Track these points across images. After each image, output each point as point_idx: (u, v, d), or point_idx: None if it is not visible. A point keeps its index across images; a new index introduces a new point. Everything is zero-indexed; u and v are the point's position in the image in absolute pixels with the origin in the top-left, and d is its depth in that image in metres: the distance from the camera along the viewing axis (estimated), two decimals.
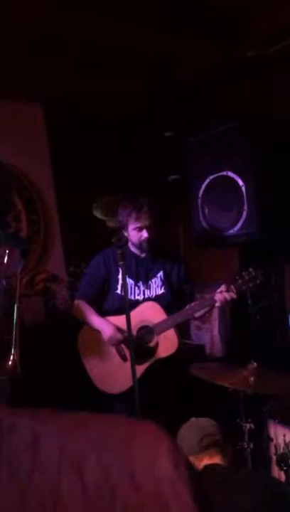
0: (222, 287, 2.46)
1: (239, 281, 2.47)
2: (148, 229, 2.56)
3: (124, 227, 2.61)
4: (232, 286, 2.45)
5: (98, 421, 0.55)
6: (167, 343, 2.54)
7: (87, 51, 2.87)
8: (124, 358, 2.57)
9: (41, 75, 3.08)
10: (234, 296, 2.45)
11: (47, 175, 3.50)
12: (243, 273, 2.48)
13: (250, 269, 2.47)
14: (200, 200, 3.23)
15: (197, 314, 2.62)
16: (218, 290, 2.47)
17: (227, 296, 2.44)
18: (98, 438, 0.52)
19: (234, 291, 2.45)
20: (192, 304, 2.56)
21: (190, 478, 0.50)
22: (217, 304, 2.51)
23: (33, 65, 2.97)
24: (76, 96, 3.40)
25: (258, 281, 2.46)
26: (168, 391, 2.65)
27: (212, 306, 2.55)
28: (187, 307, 2.55)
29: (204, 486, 0.52)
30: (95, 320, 2.65)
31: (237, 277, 2.49)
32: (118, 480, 0.49)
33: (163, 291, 2.64)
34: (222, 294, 2.45)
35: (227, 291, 2.44)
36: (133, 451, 0.51)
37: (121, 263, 2.24)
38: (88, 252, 3.60)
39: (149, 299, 2.62)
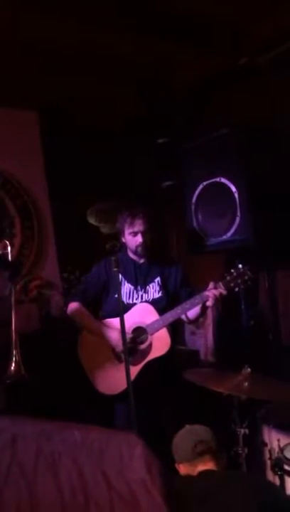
0: (211, 285, 2.52)
1: (228, 277, 2.53)
2: (143, 234, 2.64)
3: (122, 232, 2.71)
4: (220, 283, 2.51)
5: (75, 427, 0.58)
6: (160, 343, 2.60)
7: (83, 59, 2.89)
8: (120, 360, 2.60)
9: (36, 82, 3.09)
10: (224, 291, 2.50)
11: (42, 181, 3.52)
12: (231, 270, 2.55)
13: (239, 266, 2.53)
14: (193, 206, 3.25)
15: (190, 314, 2.67)
16: (208, 288, 2.53)
17: (216, 292, 2.49)
18: (74, 442, 0.54)
19: (223, 287, 2.50)
20: (183, 304, 2.60)
21: (162, 481, 0.52)
22: (209, 303, 2.55)
23: (28, 73, 2.99)
24: (71, 103, 3.42)
25: (246, 277, 2.51)
26: (168, 391, 2.68)
27: (204, 305, 2.59)
28: (178, 306, 2.60)
29: (177, 489, 0.55)
30: (95, 325, 2.72)
31: (225, 274, 2.55)
32: (92, 481, 0.51)
33: (160, 295, 2.70)
34: (211, 291, 2.50)
35: (215, 288, 2.50)
36: (107, 455, 0.53)
37: (115, 270, 2.27)
38: (82, 259, 3.61)
39: (146, 302, 2.69)
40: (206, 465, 1.69)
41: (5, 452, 0.53)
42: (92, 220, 3.76)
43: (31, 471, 0.51)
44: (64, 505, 0.50)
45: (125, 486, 0.50)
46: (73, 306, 2.77)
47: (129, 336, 2.55)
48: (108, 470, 0.51)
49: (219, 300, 2.57)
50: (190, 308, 2.59)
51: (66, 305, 2.87)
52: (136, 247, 2.68)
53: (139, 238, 2.65)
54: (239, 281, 2.51)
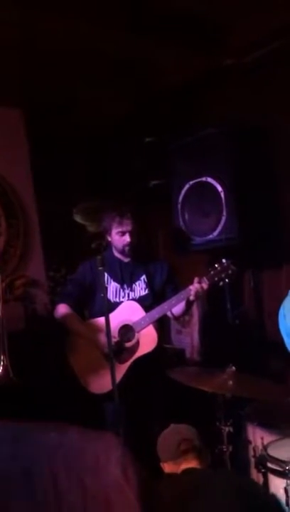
0: (195, 279, 2.57)
1: (212, 272, 2.58)
2: (131, 234, 2.67)
3: (108, 231, 2.73)
4: (204, 278, 2.56)
5: (52, 429, 0.58)
6: (147, 340, 2.63)
7: (69, 58, 2.87)
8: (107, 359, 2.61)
9: (22, 80, 3.07)
10: (206, 286, 2.55)
11: (28, 179, 3.49)
12: (215, 265, 2.60)
13: (223, 260, 2.59)
14: (179, 206, 3.26)
15: (175, 310, 2.69)
16: (193, 283, 2.57)
17: (198, 286, 2.54)
18: (50, 444, 0.55)
19: (207, 281, 2.55)
20: (169, 300, 2.63)
21: (137, 483, 0.53)
22: (191, 297, 2.59)
23: (14, 71, 2.97)
24: (57, 101, 3.40)
25: (230, 271, 2.58)
26: (156, 389, 2.71)
27: (189, 300, 2.63)
28: (164, 303, 2.64)
29: (154, 491, 0.56)
30: (82, 327, 2.73)
31: (209, 269, 2.60)
32: (66, 483, 0.52)
33: (146, 292, 2.74)
34: (194, 286, 2.55)
35: (200, 282, 2.55)
36: (83, 458, 0.54)
37: (100, 268, 2.28)
38: (68, 257, 3.60)
39: (133, 300, 2.71)
40: (190, 463, 1.70)
41: None
42: (78, 219, 3.74)
43: (6, 472, 0.51)
44: (37, 508, 0.50)
45: (100, 488, 0.51)
46: (60, 308, 2.77)
47: (115, 339, 2.56)
48: (83, 472, 0.52)
49: (203, 294, 2.61)
50: (176, 304, 2.63)
51: (52, 305, 2.87)
52: (124, 246, 2.70)
53: (127, 238, 2.67)
54: (223, 275, 2.57)
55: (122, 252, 2.74)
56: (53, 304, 3.17)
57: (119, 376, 2.53)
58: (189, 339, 3.84)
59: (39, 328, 3.23)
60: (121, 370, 2.60)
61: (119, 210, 2.68)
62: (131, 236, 2.67)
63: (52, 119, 3.58)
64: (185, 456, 1.73)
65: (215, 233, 3.05)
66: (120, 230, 2.67)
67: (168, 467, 1.79)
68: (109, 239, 2.74)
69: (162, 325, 2.88)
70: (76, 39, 2.69)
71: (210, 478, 1.61)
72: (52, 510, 0.50)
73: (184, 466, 1.69)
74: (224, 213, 3.00)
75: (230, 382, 2.22)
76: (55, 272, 3.55)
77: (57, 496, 0.50)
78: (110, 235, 2.72)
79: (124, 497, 0.51)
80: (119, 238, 2.69)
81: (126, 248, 2.71)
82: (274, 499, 1.85)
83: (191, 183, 3.19)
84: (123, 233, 2.67)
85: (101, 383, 2.55)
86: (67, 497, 0.50)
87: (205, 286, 2.55)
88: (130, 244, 2.69)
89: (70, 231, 3.62)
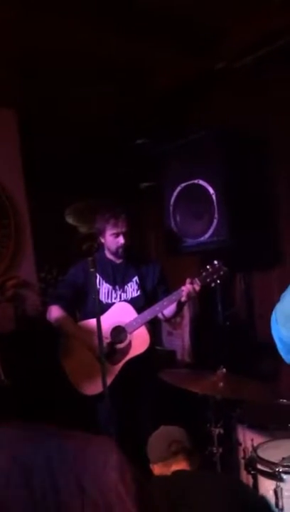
0: (187, 281, 2.59)
1: (204, 273, 2.60)
2: (125, 235, 2.68)
3: (101, 233, 2.73)
4: (196, 279, 2.58)
5: (51, 434, 0.58)
6: (139, 341, 2.64)
7: (60, 58, 2.87)
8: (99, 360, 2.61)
9: (15, 80, 3.07)
10: (198, 287, 2.56)
11: (19, 180, 3.48)
12: (207, 266, 2.62)
13: (214, 262, 2.61)
14: (171, 208, 3.27)
15: (167, 312, 2.70)
16: (185, 284, 2.59)
17: (190, 287, 2.55)
18: (50, 449, 0.55)
19: (198, 283, 2.57)
20: (161, 301, 2.64)
21: (135, 489, 0.54)
22: (183, 298, 2.60)
23: (7, 71, 2.96)
24: (50, 102, 3.39)
25: (221, 273, 2.60)
26: (147, 390, 2.71)
27: (180, 302, 2.64)
28: (156, 304, 2.65)
29: (150, 496, 0.56)
30: (75, 329, 2.72)
31: (201, 270, 2.62)
32: (64, 487, 0.52)
33: (138, 293, 2.75)
34: (186, 287, 2.56)
35: (192, 283, 2.56)
36: (82, 463, 0.54)
37: (92, 270, 2.28)
38: (60, 258, 3.59)
39: (125, 301, 2.72)
40: (180, 465, 1.70)
41: None
42: (70, 220, 3.73)
43: (5, 480, 0.51)
44: (36, 509, 0.50)
45: (98, 493, 0.52)
46: (53, 310, 2.76)
47: (107, 341, 2.56)
48: (82, 477, 0.52)
49: (194, 296, 2.61)
50: (167, 305, 2.63)
51: (43, 306, 2.86)
52: (118, 248, 2.71)
53: (121, 239, 2.68)
54: (214, 276, 2.59)
55: (115, 253, 2.74)
56: (44, 305, 3.16)
57: (111, 377, 2.54)
58: (180, 341, 3.84)
59: (29, 329, 3.22)
60: (114, 371, 2.60)
61: (114, 212, 2.69)
62: (125, 238, 2.68)
63: (45, 120, 3.58)
64: (175, 458, 1.73)
65: (207, 235, 3.06)
66: (114, 231, 2.68)
67: (157, 468, 1.79)
68: (102, 240, 2.74)
69: (153, 326, 2.89)
70: (69, 40, 2.69)
71: (200, 479, 1.61)
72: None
73: (174, 467, 1.69)
74: (216, 216, 3.02)
75: (221, 384, 2.23)
76: (46, 273, 3.54)
77: (56, 499, 0.51)
78: (104, 236, 2.72)
79: (122, 502, 0.52)
80: (113, 240, 2.70)
81: (120, 250, 2.72)
82: (263, 501, 1.86)
83: (183, 185, 3.20)
84: (117, 235, 2.68)
85: (94, 385, 2.54)
86: (66, 501, 0.51)
87: (197, 287, 2.56)
88: (124, 245, 2.70)
89: (62, 232, 3.61)
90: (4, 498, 0.51)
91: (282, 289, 3.38)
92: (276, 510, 1.84)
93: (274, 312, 1.09)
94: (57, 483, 0.52)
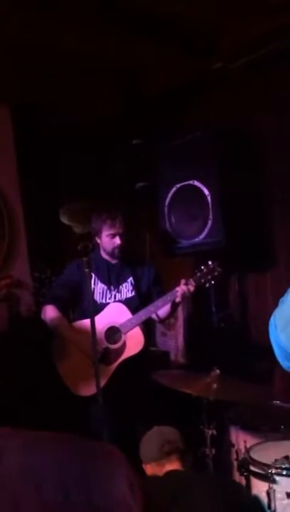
0: (182, 281, 2.59)
1: (198, 274, 2.60)
2: (121, 236, 2.68)
3: (97, 233, 2.73)
4: (191, 279, 2.58)
5: (61, 441, 0.58)
6: (133, 341, 2.64)
7: (57, 57, 2.87)
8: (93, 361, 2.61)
9: (11, 78, 3.06)
10: (193, 288, 2.56)
11: (14, 179, 3.47)
12: (202, 267, 2.62)
13: (209, 262, 2.62)
14: (166, 208, 3.26)
15: (161, 313, 2.70)
16: (179, 285, 2.59)
17: (185, 288, 2.55)
18: (59, 458, 0.55)
19: (193, 283, 2.57)
20: (155, 302, 2.64)
21: (143, 498, 0.54)
22: (178, 298, 2.60)
23: (2, 68, 2.95)
24: (46, 101, 3.39)
25: (216, 273, 2.60)
26: (141, 391, 2.71)
27: (174, 302, 2.64)
28: (150, 305, 2.65)
29: (153, 502, 0.56)
30: (69, 329, 2.71)
31: (195, 271, 2.62)
32: (76, 500, 0.52)
33: (132, 294, 2.75)
34: (181, 287, 2.56)
35: (186, 284, 2.56)
36: (91, 473, 0.54)
37: (86, 270, 2.27)
38: (54, 258, 3.58)
39: (119, 301, 2.72)
40: (173, 465, 1.70)
41: None
42: (64, 220, 3.72)
43: (15, 486, 0.51)
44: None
45: (108, 504, 0.51)
46: (48, 309, 2.75)
47: (101, 341, 2.56)
48: (92, 489, 0.52)
49: (189, 296, 2.61)
50: (162, 306, 2.63)
51: (37, 306, 2.85)
52: (114, 248, 2.72)
53: (117, 240, 2.69)
54: (209, 277, 2.59)
55: (111, 254, 2.75)
56: (38, 305, 3.15)
57: (105, 378, 2.53)
58: (174, 342, 3.84)
59: (23, 329, 3.21)
60: (108, 372, 2.59)
61: (110, 213, 2.69)
62: (121, 238, 2.69)
63: (40, 119, 3.57)
64: (168, 458, 1.73)
65: (201, 236, 3.06)
66: (111, 232, 2.68)
67: (150, 469, 1.79)
68: (98, 241, 2.75)
69: (147, 327, 2.89)
70: (66, 40, 2.68)
71: (193, 480, 1.61)
72: None
73: (167, 467, 1.69)
74: (211, 217, 3.02)
75: (214, 386, 2.23)
76: (40, 273, 3.53)
77: (67, 508, 0.50)
78: (100, 237, 2.73)
79: (131, 510, 0.51)
80: (110, 240, 2.70)
81: (116, 250, 2.72)
82: (256, 500, 1.86)
83: (178, 186, 3.20)
84: (113, 235, 2.69)
85: (87, 385, 2.54)
86: (76, 509, 0.50)
87: (191, 288, 2.57)
88: (120, 246, 2.70)
89: (56, 232, 3.60)
90: (16, 504, 0.50)
91: (276, 291, 3.39)
92: (268, 511, 1.84)
93: (272, 317, 1.07)
94: (68, 495, 0.52)
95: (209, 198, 3.03)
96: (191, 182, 3.12)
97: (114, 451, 0.59)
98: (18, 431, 0.58)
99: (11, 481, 0.52)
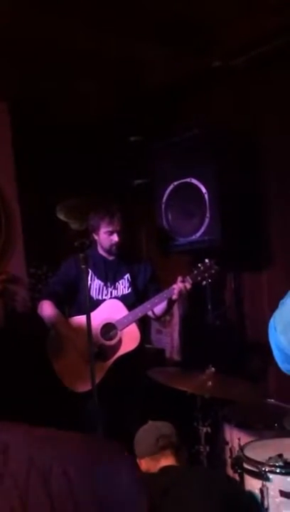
0: (179, 279, 2.59)
1: (195, 271, 2.61)
2: (119, 233, 2.68)
3: (95, 230, 2.74)
4: (188, 277, 2.59)
5: (66, 437, 0.59)
6: (129, 338, 2.64)
7: (54, 52, 2.85)
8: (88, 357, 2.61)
9: (8, 74, 3.04)
10: (189, 285, 2.57)
11: (10, 174, 3.45)
12: (199, 264, 2.62)
13: (206, 260, 2.62)
14: (163, 206, 3.26)
15: (157, 310, 2.71)
16: (176, 282, 2.59)
17: (182, 286, 2.56)
18: (65, 453, 0.55)
19: (190, 281, 2.58)
20: (152, 299, 2.65)
21: (145, 492, 0.55)
22: (174, 296, 2.60)
23: (0, 63, 2.93)
24: (43, 97, 3.37)
25: (213, 271, 2.61)
26: (137, 388, 2.72)
27: (171, 300, 2.65)
28: (147, 302, 2.66)
29: (157, 500, 0.58)
30: (65, 325, 2.70)
31: (193, 268, 2.63)
32: (81, 492, 0.53)
33: (129, 291, 2.75)
34: (177, 285, 2.56)
35: (183, 281, 2.57)
36: (96, 468, 0.55)
37: (83, 266, 2.27)
38: (50, 254, 3.58)
39: (115, 298, 2.72)
40: (167, 459, 1.71)
41: None
42: (61, 216, 3.71)
43: (24, 480, 0.51)
44: (53, 508, 0.50)
45: (112, 496, 0.52)
46: (44, 305, 2.75)
47: (97, 338, 2.56)
48: (97, 481, 0.53)
49: (185, 294, 2.62)
50: (158, 303, 2.64)
51: (32, 302, 2.85)
52: (111, 245, 2.72)
53: (115, 237, 2.69)
54: (206, 274, 2.60)
55: (109, 250, 2.75)
56: (33, 301, 3.14)
57: (100, 374, 2.53)
58: (169, 339, 3.85)
59: (18, 325, 3.20)
60: (103, 368, 2.60)
61: (109, 210, 2.69)
62: (119, 236, 2.69)
63: (37, 115, 3.56)
64: (162, 453, 1.73)
65: (198, 234, 3.06)
66: (109, 229, 2.68)
67: (144, 463, 1.79)
68: (96, 237, 2.75)
69: (142, 324, 2.89)
70: (65, 36, 2.67)
71: (184, 473, 1.62)
72: None
73: (162, 462, 1.69)
74: (208, 215, 3.02)
75: (209, 383, 2.24)
76: (36, 269, 3.52)
77: (73, 502, 0.51)
78: (97, 233, 2.73)
79: (134, 505, 0.52)
80: (107, 237, 2.70)
81: (114, 247, 2.73)
82: (250, 495, 1.87)
83: (176, 183, 3.19)
84: (111, 233, 2.69)
85: (83, 381, 2.54)
86: (82, 504, 0.51)
87: (188, 285, 2.57)
88: (118, 243, 2.71)
89: (52, 228, 3.59)
90: (25, 498, 0.51)
91: (272, 290, 3.39)
92: (261, 509, 1.85)
93: (272, 318, 1.07)
94: (73, 488, 0.53)
95: (206, 196, 3.03)
96: (189, 180, 3.12)
97: (120, 449, 0.60)
98: (20, 426, 0.59)
99: (19, 474, 0.52)
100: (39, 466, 0.53)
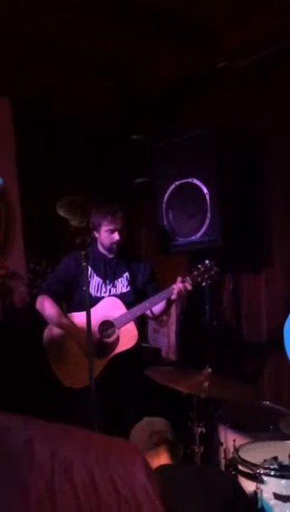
0: (179, 279, 2.57)
1: (195, 272, 2.59)
2: (120, 232, 2.68)
3: (96, 228, 2.73)
4: (188, 278, 2.57)
5: (80, 433, 0.60)
6: (127, 336, 2.63)
7: (57, 50, 2.85)
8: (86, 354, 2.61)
9: (11, 70, 3.04)
10: (189, 286, 2.55)
11: (12, 170, 3.45)
12: (199, 265, 2.61)
13: (206, 261, 2.61)
14: (164, 205, 3.26)
15: (155, 309, 2.70)
16: (176, 282, 2.58)
17: (182, 286, 2.54)
18: (82, 447, 0.56)
19: (190, 282, 2.56)
20: (151, 298, 2.64)
21: (159, 487, 0.57)
22: (173, 296, 2.59)
23: (2, 60, 2.92)
24: (45, 94, 3.37)
25: (213, 272, 2.59)
26: (133, 386, 2.72)
27: (169, 300, 2.64)
28: (146, 300, 2.65)
29: (167, 494, 0.59)
30: (63, 321, 2.69)
31: (193, 269, 2.61)
32: (102, 485, 0.55)
33: (127, 289, 2.74)
34: (177, 285, 2.55)
35: (183, 282, 2.56)
36: (112, 462, 0.57)
37: (84, 264, 2.26)
38: (49, 250, 3.57)
39: (114, 296, 2.71)
40: (161, 457, 1.69)
41: (22, 452, 0.55)
42: (61, 212, 3.70)
43: (49, 472, 0.53)
44: (80, 507, 0.52)
45: (130, 491, 0.55)
46: (43, 300, 2.75)
47: (95, 335, 2.56)
48: (114, 475, 0.56)
49: (184, 294, 2.61)
50: (157, 302, 2.64)
51: (31, 297, 2.84)
52: (112, 244, 2.72)
53: (116, 236, 2.69)
54: (206, 276, 2.58)
55: (109, 249, 2.75)
56: (32, 297, 3.13)
57: (97, 371, 2.53)
58: (166, 339, 3.85)
59: (17, 320, 3.20)
60: (100, 365, 2.59)
61: (111, 208, 2.69)
62: (120, 234, 2.69)
63: (40, 112, 3.55)
64: (156, 449, 1.71)
65: (198, 235, 3.06)
66: (110, 227, 2.68)
67: None
68: (97, 235, 2.75)
69: (140, 323, 2.89)
70: (67, 33, 2.67)
71: (177, 471, 1.61)
72: (93, 507, 0.53)
73: (155, 459, 1.67)
74: (209, 215, 3.02)
75: (206, 384, 2.23)
76: (35, 265, 3.52)
77: (96, 496, 0.53)
78: (98, 231, 2.73)
79: (150, 500, 0.54)
80: (108, 236, 2.70)
81: (114, 246, 2.73)
82: (244, 494, 1.87)
83: (177, 183, 3.19)
84: (112, 231, 2.69)
85: (79, 378, 2.53)
86: (104, 498, 0.54)
87: (188, 286, 2.56)
88: (118, 242, 2.70)
89: (52, 224, 3.59)
90: (52, 496, 0.52)
91: (270, 291, 3.38)
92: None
93: (288, 319, 1.07)
94: (95, 482, 0.54)
95: (207, 197, 3.03)
96: (190, 180, 3.12)
97: (130, 444, 0.61)
98: (40, 421, 0.60)
99: (45, 468, 0.54)
100: (62, 459, 0.55)
